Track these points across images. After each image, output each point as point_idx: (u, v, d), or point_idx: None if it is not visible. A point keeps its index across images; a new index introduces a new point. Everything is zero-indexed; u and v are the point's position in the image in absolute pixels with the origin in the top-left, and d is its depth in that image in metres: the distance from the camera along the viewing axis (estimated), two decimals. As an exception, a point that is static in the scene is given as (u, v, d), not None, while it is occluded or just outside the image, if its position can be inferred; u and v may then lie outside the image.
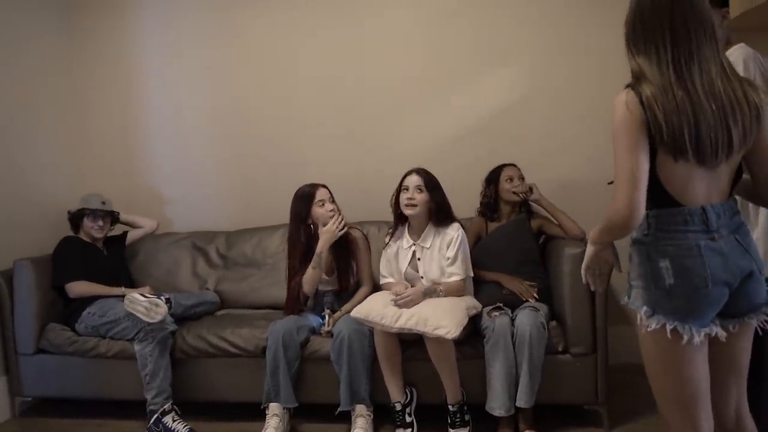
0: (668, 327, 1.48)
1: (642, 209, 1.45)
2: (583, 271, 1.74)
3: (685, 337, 1.47)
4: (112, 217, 3.44)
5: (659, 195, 1.49)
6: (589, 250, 1.69)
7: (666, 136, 1.43)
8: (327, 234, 2.86)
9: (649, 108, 1.44)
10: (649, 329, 1.51)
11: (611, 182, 2.40)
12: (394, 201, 2.90)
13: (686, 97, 1.44)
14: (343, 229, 2.87)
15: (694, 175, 1.48)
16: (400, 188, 2.85)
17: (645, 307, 1.51)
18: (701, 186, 1.50)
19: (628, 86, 1.52)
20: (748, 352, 1.62)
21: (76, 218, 3.35)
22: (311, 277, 2.89)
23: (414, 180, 2.81)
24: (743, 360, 1.62)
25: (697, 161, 1.46)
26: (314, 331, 2.91)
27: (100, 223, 3.35)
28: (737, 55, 2.07)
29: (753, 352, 1.63)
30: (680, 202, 1.49)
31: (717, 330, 1.51)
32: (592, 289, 1.77)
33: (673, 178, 1.48)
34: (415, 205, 2.79)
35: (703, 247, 1.47)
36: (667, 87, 1.45)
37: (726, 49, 2.08)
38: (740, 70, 1.98)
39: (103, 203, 3.37)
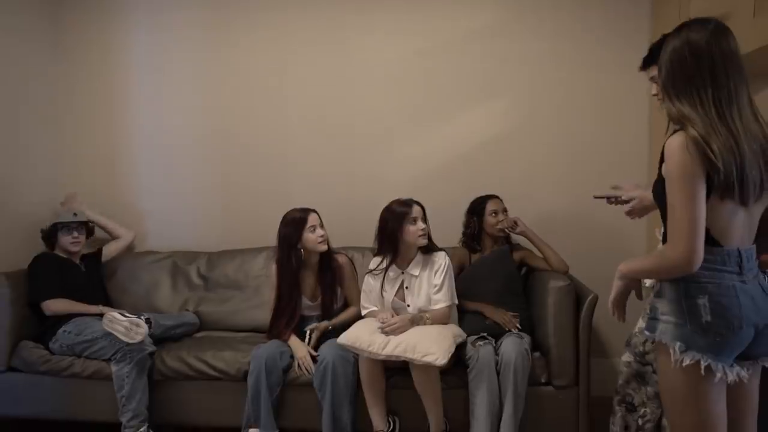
0: (702, 363, 1.51)
1: (701, 256, 1.48)
2: (611, 305, 1.75)
3: (718, 375, 1.51)
4: (87, 229, 3.39)
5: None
6: (618, 284, 1.71)
7: (721, 176, 1.46)
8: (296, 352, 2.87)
9: (707, 149, 1.46)
10: (683, 365, 1.53)
11: (598, 196, 2.37)
12: (388, 232, 2.82)
13: (731, 138, 1.49)
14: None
15: (735, 216, 1.54)
16: (403, 219, 2.78)
17: (678, 343, 1.53)
18: (739, 228, 1.56)
19: (676, 130, 1.55)
20: (758, 392, 1.69)
21: (49, 235, 3.28)
22: None
23: (419, 210, 2.81)
24: (756, 400, 1.68)
25: (740, 201, 1.51)
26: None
27: (75, 234, 3.29)
28: None
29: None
30: (720, 243, 1.54)
31: (741, 371, 1.56)
32: (621, 320, 1.78)
33: (717, 217, 1.53)
34: (426, 234, 2.81)
35: (738, 289, 1.53)
36: (715, 127, 1.49)
37: None
38: None
39: (75, 215, 3.31)
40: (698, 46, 1.55)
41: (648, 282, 2.03)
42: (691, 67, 1.55)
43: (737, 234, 1.56)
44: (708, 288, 1.52)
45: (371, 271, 2.92)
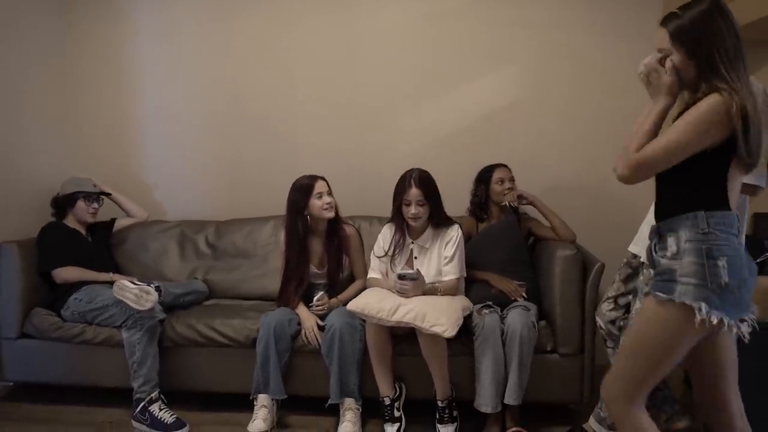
0: (726, 321, 1.56)
1: (638, 182, 1.59)
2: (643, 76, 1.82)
3: (734, 331, 1.60)
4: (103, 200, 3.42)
5: (720, 198, 1.59)
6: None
7: (747, 143, 1.52)
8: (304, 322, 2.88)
9: (744, 116, 1.51)
10: (710, 323, 1.56)
11: None
12: (396, 203, 2.85)
13: (755, 109, 1.54)
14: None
15: (738, 181, 1.62)
16: (402, 197, 2.80)
17: (703, 303, 1.57)
18: (737, 192, 1.64)
19: (721, 91, 1.55)
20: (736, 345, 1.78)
21: (64, 202, 3.28)
22: None
23: (415, 194, 2.76)
24: (735, 353, 1.77)
25: (746, 168, 1.59)
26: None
27: (95, 205, 3.32)
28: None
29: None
30: (731, 208, 1.61)
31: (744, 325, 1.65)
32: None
33: (734, 186, 1.61)
34: (419, 218, 2.80)
35: (743, 250, 1.61)
36: (750, 98, 1.54)
37: None
38: None
39: (95, 186, 3.33)
40: (729, 13, 1.57)
41: (643, 257, 2.06)
42: (733, 32, 1.57)
43: (736, 199, 1.64)
44: (725, 250, 1.58)
45: (383, 255, 2.93)
